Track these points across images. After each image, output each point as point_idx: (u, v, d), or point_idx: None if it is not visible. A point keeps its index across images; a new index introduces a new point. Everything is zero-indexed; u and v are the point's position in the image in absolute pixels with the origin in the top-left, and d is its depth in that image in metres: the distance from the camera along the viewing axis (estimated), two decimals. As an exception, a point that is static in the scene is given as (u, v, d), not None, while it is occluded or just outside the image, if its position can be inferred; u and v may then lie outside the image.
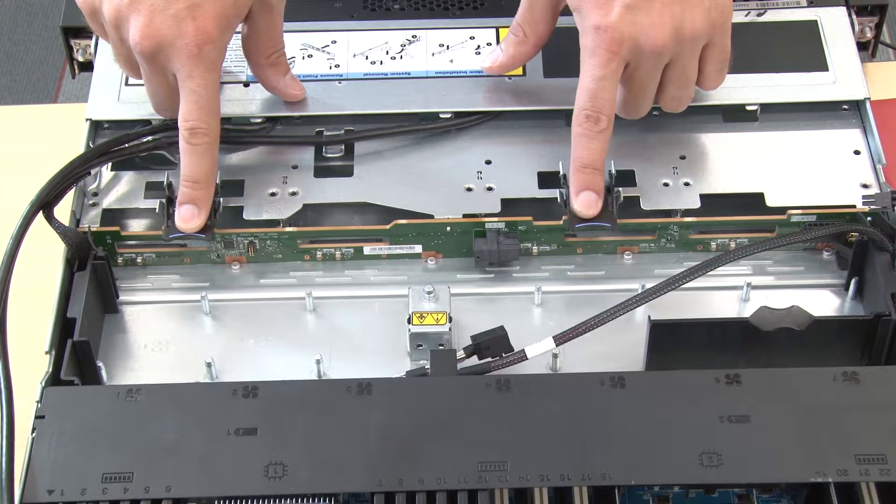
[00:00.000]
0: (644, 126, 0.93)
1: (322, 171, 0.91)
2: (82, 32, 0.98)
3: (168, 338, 0.85)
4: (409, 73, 0.95)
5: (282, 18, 0.89)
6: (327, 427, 0.73)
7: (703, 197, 0.88)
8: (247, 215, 0.88)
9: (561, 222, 0.87)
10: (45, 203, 0.83)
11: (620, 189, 0.87)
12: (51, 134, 0.99)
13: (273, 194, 0.89)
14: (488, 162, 0.91)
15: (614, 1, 0.82)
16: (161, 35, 0.82)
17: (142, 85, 0.92)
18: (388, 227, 0.88)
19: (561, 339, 0.79)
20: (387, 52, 0.96)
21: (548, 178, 0.89)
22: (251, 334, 0.85)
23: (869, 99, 0.93)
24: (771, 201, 0.88)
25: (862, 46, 0.99)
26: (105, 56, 0.96)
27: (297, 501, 0.71)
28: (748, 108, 0.93)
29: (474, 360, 0.80)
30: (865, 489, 0.71)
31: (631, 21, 0.82)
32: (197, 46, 0.82)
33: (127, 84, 0.94)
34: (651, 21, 0.82)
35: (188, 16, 0.82)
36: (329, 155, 0.92)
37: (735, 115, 0.94)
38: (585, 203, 0.84)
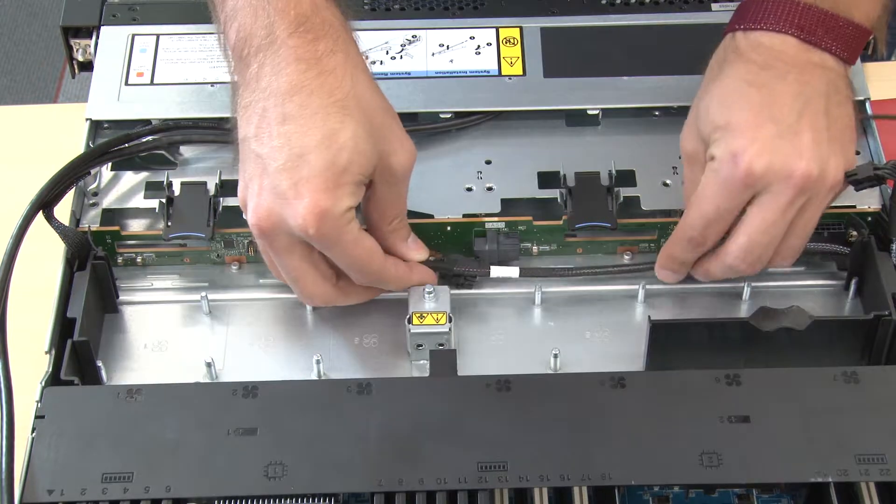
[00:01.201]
0: (644, 126, 0.93)
1: (322, 171, 0.91)
2: (82, 32, 0.98)
3: (168, 338, 0.85)
4: (409, 73, 0.95)
5: (406, 187, 0.80)
6: (327, 427, 0.73)
7: (703, 197, 0.88)
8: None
9: (561, 222, 0.87)
10: (45, 203, 0.83)
11: (620, 189, 0.87)
12: (51, 134, 0.99)
13: (273, 194, 0.89)
14: (488, 162, 0.91)
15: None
16: (276, 215, 0.75)
17: (142, 85, 0.92)
18: (388, 227, 0.88)
19: (528, 273, 0.84)
20: (387, 52, 0.96)
21: (548, 178, 0.89)
22: (251, 334, 0.85)
23: (869, 99, 0.93)
24: (771, 201, 0.88)
25: (862, 46, 0.98)
26: (105, 56, 0.96)
27: (297, 501, 0.71)
28: (748, 108, 0.93)
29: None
30: (865, 489, 0.71)
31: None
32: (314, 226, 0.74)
33: (127, 84, 0.94)
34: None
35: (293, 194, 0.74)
36: (329, 155, 0.92)
37: (735, 115, 0.93)
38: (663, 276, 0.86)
